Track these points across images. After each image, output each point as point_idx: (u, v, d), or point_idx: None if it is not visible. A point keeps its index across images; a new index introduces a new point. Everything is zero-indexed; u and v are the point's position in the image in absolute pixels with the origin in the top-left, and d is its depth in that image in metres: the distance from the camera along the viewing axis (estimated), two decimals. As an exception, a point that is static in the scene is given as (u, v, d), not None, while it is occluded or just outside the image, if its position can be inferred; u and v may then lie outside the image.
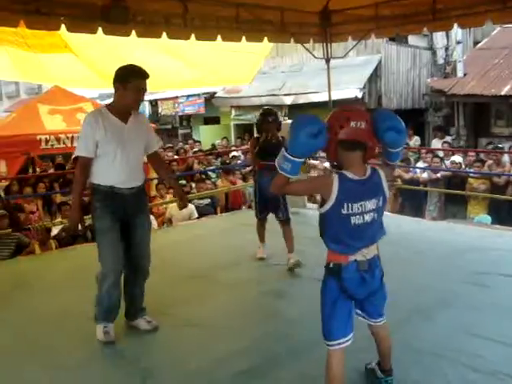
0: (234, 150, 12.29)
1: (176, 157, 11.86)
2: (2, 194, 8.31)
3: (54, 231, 7.39)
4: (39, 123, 9.26)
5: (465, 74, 13.14)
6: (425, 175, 9.17)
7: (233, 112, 16.14)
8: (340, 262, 2.49)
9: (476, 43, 15.19)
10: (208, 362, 3.22)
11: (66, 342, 3.59)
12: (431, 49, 14.78)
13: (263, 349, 3.38)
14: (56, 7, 4.55)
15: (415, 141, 12.26)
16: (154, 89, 11.48)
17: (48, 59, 7.06)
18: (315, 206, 7.50)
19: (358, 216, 2.43)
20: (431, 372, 2.99)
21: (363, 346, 2.92)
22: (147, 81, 3.37)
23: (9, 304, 4.35)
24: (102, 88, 9.64)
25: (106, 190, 3.38)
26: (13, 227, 6.63)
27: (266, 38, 6.29)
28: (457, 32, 13.19)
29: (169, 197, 8.69)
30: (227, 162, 11.30)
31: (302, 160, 2.44)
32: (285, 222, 4.93)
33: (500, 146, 10.41)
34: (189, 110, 17.48)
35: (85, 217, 3.55)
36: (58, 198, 8.66)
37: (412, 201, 9.03)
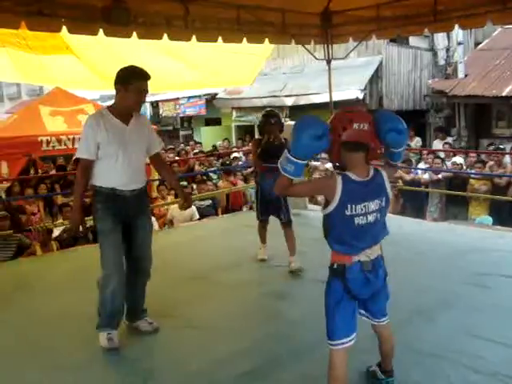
0: (235, 151, 12.29)
1: (177, 158, 11.87)
2: (3, 196, 8.33)
3: (56, 232, 7.40)
4: (40, 125, 9.28)
5: (466, 75, 13.14)
6: (426, 176, 9.17)
7: (234, 113, 16.15)
8: (344, 263, 2.50)
9: (477, 44, 15.19)
10: (209, 363, 3.23)
11: (67, 343, 3.59)
12: (432, 50, 14.79)
13: (265, 350, 3.38)
14: (57, 9, 4.56)
15: (416, 142, 12.26)
16: (155, 90, 11.50)
17: (49, 61, 7.07)
18: (316, 207, 7.52)
19: (361, 217, 2.44)
20: (432, 373, 2.98)
21: (365, 348, 2.92)
22: (148, 82, 3.36)
23: (10, 305, 4.35)
24: (103, 89, 9.66)
25: (108, 192, 3.36)
26: (14, 228, 6.63)
27: (266, 40, 6.30)
28: (458, 33, 13.18)
29: (170, 198, 8.70)
30: (227, 162, 11.29)
31: (306, 162, 2.45)
32: (286, 224, 4.92)
33: (501, 146, 10.41)
34: (190, 112, 17.50)
35: (86, 218, 3.53)
36: (59, 200, 8.67)
37: (413, 202, 9.03)
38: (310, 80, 13.44)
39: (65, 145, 9.29)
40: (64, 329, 3.81)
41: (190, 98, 16.90)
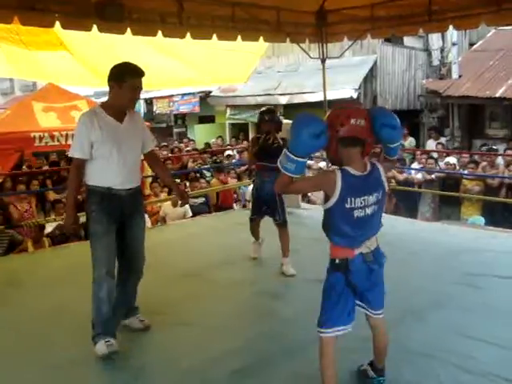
0: (229, 149, 12.27)
1: (170, 155, 11.85)
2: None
3: (48, 229, 7.37)
4: (33, 120, 9.25)
5: (460, 76, 13.19)
6: (419, 176, 9.19)
7: (228, 111, 16.12)
8: (346, 257, 2.55)
9: (471, 45, 15.26)
10: (201, 361, 3.22)
11: (59, 339, 3.58)
12: (427, 50, 14.83)
13: (257, 348, 3.38)
14: (50, 4, 4.53)
15: (410, 142, 12.29)
16: (149, 87, 11.46)
17: (43, 56, 7.03)
18: (309, 205, 7.52)
19: (360, 210, 2.50)
20: (423, 372, 2.99)
21: (355, 347, 2.92)
22: (142, 79, 3.31)
23: (1, 302, 4.32)
24: (97, 86, 9.62)
25: (103, 192, 3.29)
26: (5, 224, 6.61)
27: (261, 38, 6.28)
28: (452, 34, 13.24)
29: (163, 195, 8.68)
30: (218, 161, 11.27)
31: (306, 159, 2.50)
32: (281, 224, 4.86)
33: (494, 147, 10.46)
34: (184, 109, 17.46)
35: (78, 214, 3.48)
36: (51, 196, 8.64)
37: (406, 202, 9.04)
38: (304, 79, 13.44)
39: (58, 141, 9.26)
40: (56, 325, 3.79)
41: (184, 95, 16.86)
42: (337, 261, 2.58)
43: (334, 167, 2.60)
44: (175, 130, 19.11)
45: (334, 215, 2.52)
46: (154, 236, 5.83)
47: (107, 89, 3.34)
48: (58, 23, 4.62)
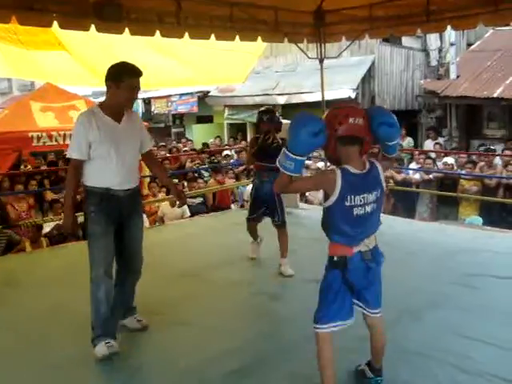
0: (227, 149, 12.27)
1: (168, 155, 11.85)
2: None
3: (46, 229, 7.37)
4: (31, 120, 9.23)
5: (458, 76, 13.20)
6: (417, 176, 9.20)
7: (226, 111, 16.12)
8: (345, 255, 2.57)
9: (469, 45, 15.28)
10: (198, 361, 3.22)
11: (57, 339, 3.58)
12: (425, 50, 14.84)
13: (255, 348, 3.38)
14: (48, 4, 4.51)
15: (408, 142, 12.29)
16: (148, 87, 11.46)
17: (41, 56, 7.02)
18: (308, 206, 7.53)
19: (360, 207, 2.52)
20: (421, 372, 2.99)
21: (353, 347, 2.93)
22: (140, 79, 3.28)
23: (-1, 302, 4.33)
24: (96, 86, 9.61)
25: (102, 192, 3.27)
26: (2, 224, 6.60)
27: (259, 38, 6.28)
28: (450, 34, 13.26)
29: (161, 195, 8.68)
30: (215, 161, 11.26)
31: (305, 158, 2.51)
32: (280, 225, 4.83)
33: (492, 147, 10.47)
34: (182, 109, 17.45)
35: (76, 214, 3.44)
36: (49, 196, 8.63)
37: (404, 202, 9.05)
38: (302, 79, 13.44)
39: (56, 141, 9.25)
40: (54, 325, 3.79)
41: (182, 95, 16.85)
42: (335, 258, 2.60)
43: (333, 166, 2.61)
44: (173, 130, 19.11)
45: (334, 213, 2.54)
46: (152, 236, 5.83)
47: (105, 89, 3.31)
48: (55, 23, 4.62)
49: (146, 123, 10.28)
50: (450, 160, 9.21)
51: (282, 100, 13.74)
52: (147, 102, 18.29)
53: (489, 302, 3.99)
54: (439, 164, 9.40)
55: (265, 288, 4.51)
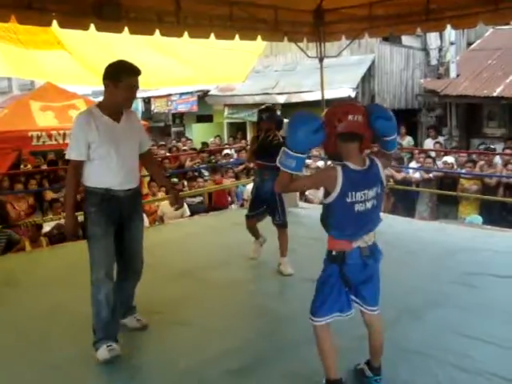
0: (227, 148, 12.27)
1: (168, 154, 11.85)
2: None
3: (46, 228, 7.36)
4: (31, 120, 9.21)
5: (458, 75, 13.20)
6: (417, 175, 9.20)
7: (226, 110, 16.11)
8: (344, 249, 2.60)
9: (469, 44, 15.27)
10: (198, 361, 3.22)
11: (57, 339, 3.57)
12: (425, 49, 14.83)
13: (254, 348, 3.38)
14: (48, 3, 4.51)
15: (408, 141, 12.29)
16: (147, 86, 11.45)
17: (41, 55, 7.02)
18: (307, 205, 7.53)
19: (360, 204, 2.55)
20: (420, 371, 2.99)
21: (352, 347, 2.92)
22: (139, 77, 3.24)
23: (-1, 301, 4.33)
24: (95, 85, 9.60)
25: (102, 193, 3.23)
26: (1, 224, 6.60)
27: (259, 37, 6.28)
28: (450, 33, 13.25)
29: (160, 194, 8.68)
30: (213, 160, 11.24)
31: (306, 156, 2.54)
32: (281, 225, 4.81)
33: (492, 146, 10.47)
34: (182, 108, 17.43)
35: (76, 213, 3.39)
36: (49, 195, 8.63)
37: (404, 201, 9.05)
38: (302, 78, 13.43)
39: (55, 140, 9.21)
40: (54, 325, 3.79)
41: (181, 94, 16.83)
42: (334, 252, 2.63)
43: (333, 163, 2.64)
44: (173, 129, 19.09)
45: (335, 210, 2.56)
46: (151, 235, 5.82)
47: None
48: (55, 22, 4.61)
49: (145, 122, 10.33)
50: (449, 159, 9.22)
51: (281, 99, 13.74)
52: (147, 101, 18.28)
53: (488, 300, 3.99)
54: (439, 163, 9.40)
55: (264, 287, 4.51)
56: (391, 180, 8.95)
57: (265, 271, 4.89)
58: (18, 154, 9.00)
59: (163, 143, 13.68)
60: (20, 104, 10.22)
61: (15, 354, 3.41)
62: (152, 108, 18.33)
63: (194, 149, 12.51)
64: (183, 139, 15.13)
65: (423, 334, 3.45)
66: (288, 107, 13.22)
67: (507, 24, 8.42)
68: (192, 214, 8.20)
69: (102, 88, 3.28)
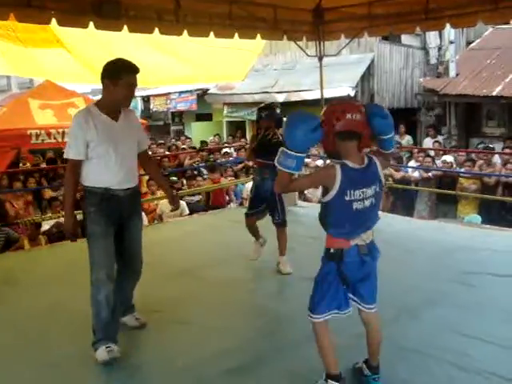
0: (226, 147, 12.26)
1: (167, 153, 11.85)
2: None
3: (45, 226, 7.36)
4: (30, 118, 9.19)
5: (457, 74, 13.19)
6: (416, 174, 9.20)
7: (225, 109, 16.09)
8: (342, 247, 2.61)
9: (468, 43, 15.25)
10: (196, 359, 3.22)
11: (56, 337, 3.58)
12: (424, 48, 14.81)
13: (253, 347, 3.38)
14: (47, 1, 4.51)
15: (407, 140, 12.29)
16: (147, 85, 11.44)
17: (40, 53, 7.01)
18: (306, 203, 7.53)
19: (359, 202, 2.56)
20: (418, 370, 3.00)
21: (351, 345, 2.93)
22: (138, 75, 3.22)
23: (-3, 300, 4.32)
24: (95, 83, 9.59)
25: (101, 193, 3.20)
26: (0, 222, 6.60)
27: (258, 35, 6.27)
28: (450, 32, 13.24)
29: (160, 193, 8.66)
30: (211, 159, 11.23)
31: (305, 155, 2.56)
32: (280, 224, 4.80)
33: (491, 146, 10.47)
34: (181, 107, 17.42)
35: (75, 212, 3.35)
36: (47, 194, 8.63)
37: (403, 200, 9.06)
38: (301, 77, 13.42)
39: (54, 138, 9.19)
40: (53, 323, 3.79)
41: (181, 92, 16.81)
42: (331, 250, 2.64)
43: (332, 162, 2.65)
44: (172, 128, 19.08)
45: (334, 208, 2.58)
46: (150, 234, 5.81)
47: (104, 86, 3.26)
48: (54, 20, 4.60)
49: (144, 121, 10.31)
50: (449, 158, 9.22)
51: (280, 98, 13.70)
52: (146, 99, 18.27)
53: (487, 299, 4.00)
54: (438, 162, 9.41)
55: (263, 286, 4.52)
56: (390, 179, 8.95)
57: (264, 270, 4.89)
58: (16, 152, 8.99)
59: (162, 142, 13.67)
60: (19, 102, 10.20)
61: (14, 352, 3.41)
62: (151, 106, 18.31)
63: (194, 147, 12.50)
64: (182, 138, 15.12)
65: (422, 333, 3.45)
66: (287, 106, 13.18)
67: (507, 23, 8.41)
68: (191, 213, 8.20)
69: (101, 86, 3.27)
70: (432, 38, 14.34)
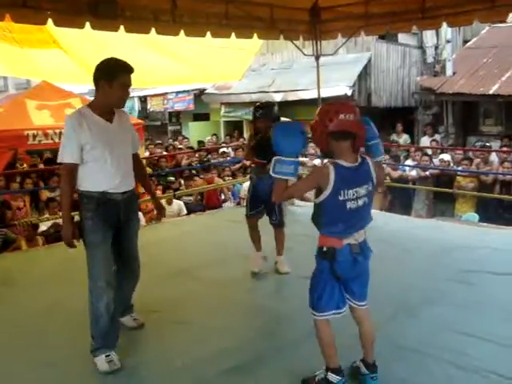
0: (223, 147, 12.25)
1: (165, 153, 11.84)
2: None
3: (42, 227, 7.34)
4: (27, 118, 9.17)
5: (454, 73, 13.19)
6: (413, 173, 9.21)
7: (222, 109, 16.09)
8: (334, 246, 2.63)
9: (465, 42, 15.27)
10: (194, 359, 3.22)
11: (53, 337, 3.57)
12: (421, 47, 14.83)
13: (251, 346, 3.38)
14: (43, 1, 4.48)
15: (405, 139, 12.31)
16: (144, 85, 11.43)
17: (36, 54, 7.00)
18: (303, 203, 7.51)
19: (352, 201, 2.59)
20: (416, 369, 3.00)
21: (349, 344, 2.92)
22: (134, 76, 3.16)
23: (-5, 301, 4.31)
24: (91, 84, 9.57)
25: (98, 197, 3.12)
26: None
27: (255, 35, 6.27)
28: (446, 31, 13.24)
29: (159, 193, 8.65)
30: (205, 160, 11.21)
31: (299, 159, 2.64)
32: (278, 225, 4.78)
33: (487, 144, 10.48)
34: (178, 107, 17.41)
35: (72, 213, 3.30)
36: (44, 195, 8.61)
37: (401, 198, 9.07)
38: (298, 76, 13.43)
39: (51, 139, 9.18)
40: (50, 323, 3.79)
41: (178, 92, 16.80)
42: (324, 249, 2.67)
43: (327, 162, 2.68)
44: (170, 128, 19.06)
45: (328, 208, 2.60)
46: (148, 234, 5.83)
47: (100, 87, 3.18)
48: (50, 21, 4.58)
49: (141, 121, 10.28)
50: (446, 157, 9.23)
51: (278, 97, 13.71)
52: (143, 99, 18.26)
53: (485, 298, 4.00)
54: (435, 161, 9.41)
55: (262, 285, 4.51)
56: (388, 178, 8.95)
57: (262, 269, 4.88)
58: (13, 153, 8.96)
59: (160, 142, 13.65)
60: (16, 103, 10.18)
61: (12, 352, 3.41)
62: (148, 107, 18.30)
63: (191, 147, 12.50)
64: (180, 138, 15.11)
65: (420, 332, 3.45)
66: (284, 105, 13.21)
67: (503, 22, 8.42)
68: (189, 213, 8.20)
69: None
70: (429, 36, 14.36)
